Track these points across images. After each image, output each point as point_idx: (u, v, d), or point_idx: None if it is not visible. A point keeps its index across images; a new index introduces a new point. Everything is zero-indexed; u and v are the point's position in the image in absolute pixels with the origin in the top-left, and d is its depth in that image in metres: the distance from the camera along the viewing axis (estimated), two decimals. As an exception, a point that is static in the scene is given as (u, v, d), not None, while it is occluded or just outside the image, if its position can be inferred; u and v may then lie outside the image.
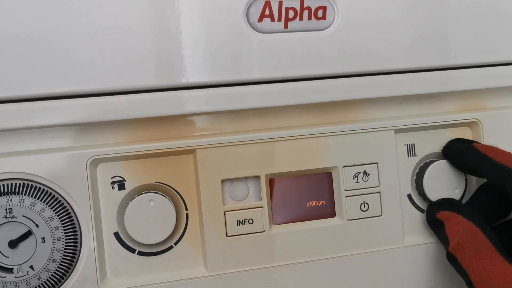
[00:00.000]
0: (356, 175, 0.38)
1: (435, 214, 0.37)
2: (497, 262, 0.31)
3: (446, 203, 0.38)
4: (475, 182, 0.41)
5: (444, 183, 0.39)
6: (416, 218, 0.40)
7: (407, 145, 0.40)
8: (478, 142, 0.39)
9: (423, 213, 0.40)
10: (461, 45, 0.39)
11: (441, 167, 0.39)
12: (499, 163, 0.35)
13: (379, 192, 0.38)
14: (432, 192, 0.39)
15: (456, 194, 0.39)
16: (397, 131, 0.39)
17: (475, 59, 0.39)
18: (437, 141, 0.40)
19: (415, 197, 0.40)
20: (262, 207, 0.36)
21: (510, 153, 0.36)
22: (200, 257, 0.36)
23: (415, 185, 0.40)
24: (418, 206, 0.40)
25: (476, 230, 0.34)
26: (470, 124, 0.40)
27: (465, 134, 0.40)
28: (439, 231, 0.37)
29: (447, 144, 0.39)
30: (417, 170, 0.40)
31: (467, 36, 0.39)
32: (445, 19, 0.39)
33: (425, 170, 0.39)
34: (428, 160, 0.39)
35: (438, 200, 0.39)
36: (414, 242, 0.39)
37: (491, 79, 0.40)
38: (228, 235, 0.36)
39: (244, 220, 0.36)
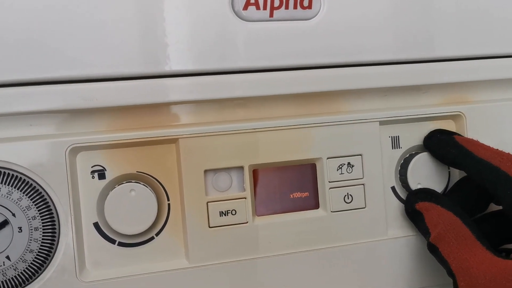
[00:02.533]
0: (340, 166, 0.38)
1: (414, 205, 0.37)
2: (477, 251, 0.32)
3: (424, 194, 0.38)
4: (458, 175, 0.41)
5: (427, 175, 0.39)
6: (399, 210, 0.40)
7: (392, 137, 0.39)
8: (459, 134, 0.39)
9: (407, 205, 0.40)
10: (446, 37, 0.39)
11: (425, 159, 0.39)
12: (478, 157, 0.35)
13: (363, 184, 0.38)
14: (416, 184, 0.39)
15: (439, 187, 0.39)
16: (382, 123, 0.39)
17: (459, 52, 0.40)
18: (421, 134, 0.40)
19: (399, 189, 0.40)
20: (245, 198, 0.36)
21: (489, 147, 0.36)
22: (182, 248, 0.36)
23: (399, 177, 0.40)
24: (402, 198, 0.40)
25: (456, 220, 0.34)
26: (454, 117, 0.40)
27: (449, 126, 0.40)
28: (419, 222, 0.37)
29: (428, 134, 0.39)
30: (401, 163, 0.39)
31: (452, 29, 0.39)
32: (430, 11, 0.39)
33: (409, 162, 0.39)
34: (412, 153, 0.39)
35: (416, 190, 0.39)
36: (398, 234, 0.39)
37: (475, 72, 0.40)
38: (210, 226, 0.35)
39: (227, 211, 0.36)
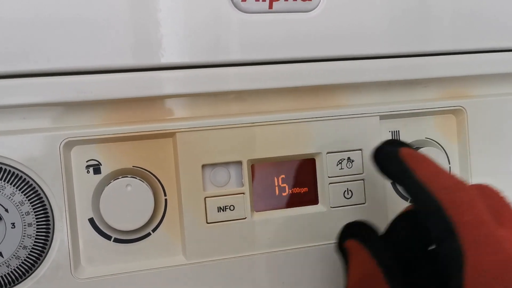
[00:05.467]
0: (340, 161, 0.37)
1: (344, 241, 0.32)
2: None
3: (358, 229, 0.33)
4: (459, 171, 0.40)
5: (428, 170, 0.38)
6: (399, 206, 0.39)
7: (392, 131, 0.39)
8: (409, 146, 0.33)
9: (407, 201, 0.39)
10: (446, 31, 0.39)
11: (426, 154, 0.38)
12: (416, 178, 0.29)
13: (363, 180, 0.38)
14: (416, 179, 0.38)
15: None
16: (382, 117, 0.38)
17: (460, 45, 0.39)
18: (421, 128, 0.39)
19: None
20: (243, 193, 0.35)
21: (434, 165, 0.30)
22: (179, 244, 0.35)
23: (399, 172, 0.39)
24: (402, 194, 0.39)
25: (377, 273, 0.29)
26: (455, 111, 0.40)
27: (450, 121, 0.40)
28: (344, 261, 0.32)
29: (378, 145, 0.33)
30: (402, 158, 0.39)
31: (453, 23, 0.39)
32: (431, 5, 0.38)
33: (410, 157, 0.38)
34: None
35: (351, 223, 0.34)
36: (397, 230, 0.38)
37: (476, 66, 0.40)
38: (208, 222, 0.35)
39: (225, 206, 0.35)
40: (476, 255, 0.25)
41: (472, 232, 0.25)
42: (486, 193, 0.28)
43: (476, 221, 0.25)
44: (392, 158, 0.31)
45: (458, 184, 0.27)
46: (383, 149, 0.32)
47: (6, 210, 0.31)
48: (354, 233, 0.32)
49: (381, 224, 0.38)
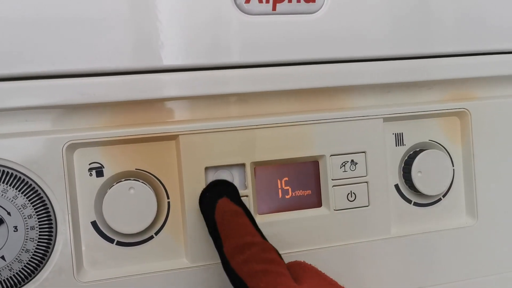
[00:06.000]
0: (344, 164, 0.37)
1: None
2: None
3: None
4: (462, 173, 0.40)
5: (432, 173, 0.38)
6: (403, 208, 0.39)
7: (395, 134, 0.39)
8: (230, 188, 0.33)
9: (410, 203, 0.39)
10: (450, 33, 0.38)
11: (429, 157, 0.38)
12: (224, 253, 0.30)
13: (366, 182, 0.37)
14: (420, 182, 0.38)
15: (443, 184, 0.39)
16: (385, 119, 0.38)
17: (464, 47, 0.39)
18: (425, 131, 0.39)
19: (402, 187, 0.39)
20: (247, 196, 0.35)
21: (241, 228, 0.31)
22: (182, 247, 0.35)
23: (402, 175, 0.39)
24: (405, 196, 0.39)
25: None
26: (459, 114, 0.40)
27: (454, 123, 0.40)
28: None
29: (202, 192, 0.34)
30: (405, 160, 0.39)
31: (457, 24, 0.38)
32: (436, 6, 0.38)
33: (413, 160, 0.38)
34: (416, 150, 0.39)
35: None
36: (401, 233, 0.38)
37: (480, 68, 0.39)
38: (211, 224, 0.35)
39: (228, 209, 0.35)
40: None
41: None
42: (291, 264, 0.31)
43: (271, 285, 0.27)
44: (209, 217, 0.32)
45: (255, 255, 0.29)
46: (204, 199, 0.33)
47: (9, 213, 0.31)
48: None
49: (384, 226, 0.38)
